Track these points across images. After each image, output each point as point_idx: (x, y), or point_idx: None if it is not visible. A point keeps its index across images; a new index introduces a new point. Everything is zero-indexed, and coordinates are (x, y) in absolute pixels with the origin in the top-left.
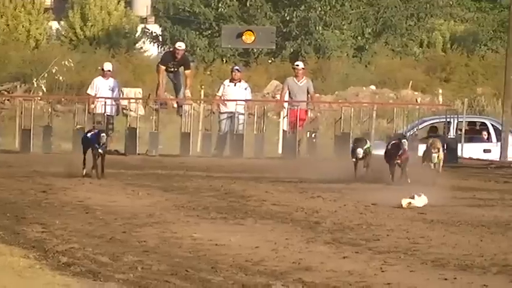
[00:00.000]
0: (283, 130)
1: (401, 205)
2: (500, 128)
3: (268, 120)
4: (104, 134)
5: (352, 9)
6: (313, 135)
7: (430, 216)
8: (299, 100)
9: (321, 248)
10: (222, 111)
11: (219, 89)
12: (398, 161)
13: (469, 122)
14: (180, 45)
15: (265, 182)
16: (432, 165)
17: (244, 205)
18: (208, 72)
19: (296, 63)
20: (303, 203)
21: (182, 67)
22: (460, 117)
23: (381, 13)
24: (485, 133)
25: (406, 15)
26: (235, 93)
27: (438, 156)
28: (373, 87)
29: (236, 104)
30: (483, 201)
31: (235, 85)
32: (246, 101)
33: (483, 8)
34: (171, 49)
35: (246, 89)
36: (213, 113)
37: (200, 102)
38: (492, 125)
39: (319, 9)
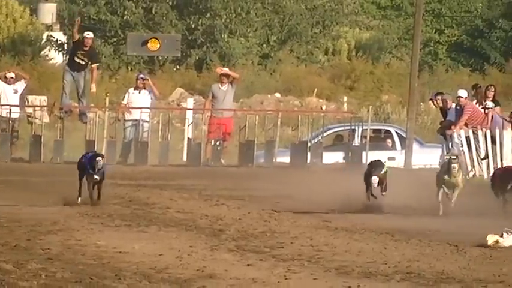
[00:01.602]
0: (188, 138)
1: (487, 242)
2: (404, 136)
3: (173, 128)
4: (99, 158)
5: (258, 17)
6: (217, 143)
7: (334, 224)
8: (215, 108)
9: (225, 256)
10: (126, 118)
11: (123, 97)
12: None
13: (373, 129)
14: (89, 33)
15: (170, 189)
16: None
17: (148, 212)
18: (114, 80)
19: (225, 68)
20: (207, 210)
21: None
22: (365, 125)
23: (286, 21)
24: (389, 141)
25: (311, 23)
26: (140, 101)
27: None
28: (278, 94)
29: (141, 112)
30: (387, 209)
31: (139, 92)
32: (150, 108)
33: (388, 15)
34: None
35: (149, 93)
36: (118, 120)
37: (105, 109)
38: (397, 132)
39: (225, 17)
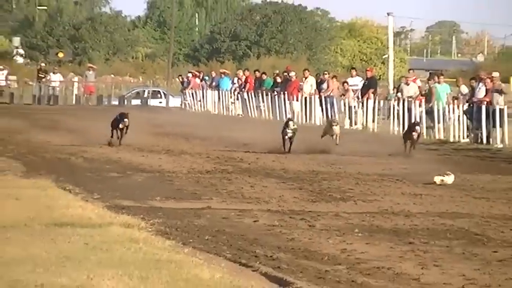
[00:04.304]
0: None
1: (435, 182)
2: (166, 93)
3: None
4: (125, 119)
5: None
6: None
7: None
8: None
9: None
10: None
11: None
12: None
13: (153, 90)
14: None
15: None
16: (333, 136)
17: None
18: None
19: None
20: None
21: None
22: (149, 88)
23: None
24: (159, 95)
25: None
26: None
27: (337, 130)
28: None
29: None
30: (156, 127)
31: None
32: None
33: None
34: None
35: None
36: None
37: None
38: (163, 92)
39: None
